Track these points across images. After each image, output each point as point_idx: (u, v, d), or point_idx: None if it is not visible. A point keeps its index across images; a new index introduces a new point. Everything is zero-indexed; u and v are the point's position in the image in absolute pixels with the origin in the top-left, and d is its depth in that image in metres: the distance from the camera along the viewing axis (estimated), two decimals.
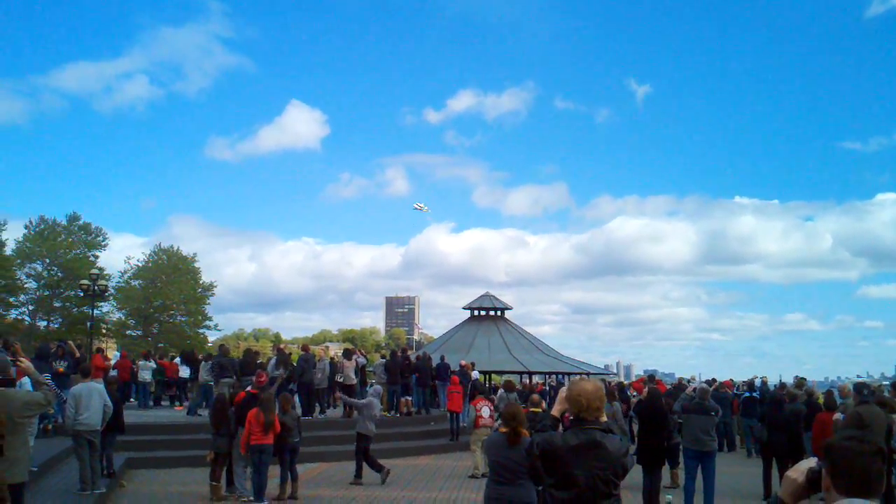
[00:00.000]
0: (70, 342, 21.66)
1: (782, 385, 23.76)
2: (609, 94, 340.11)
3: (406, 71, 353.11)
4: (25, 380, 9.38)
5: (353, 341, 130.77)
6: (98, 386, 13.31)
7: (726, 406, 22.57)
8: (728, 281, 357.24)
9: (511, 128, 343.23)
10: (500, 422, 8.88)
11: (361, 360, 24.91)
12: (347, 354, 23.81)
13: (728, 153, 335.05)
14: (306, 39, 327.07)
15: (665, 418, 14.03)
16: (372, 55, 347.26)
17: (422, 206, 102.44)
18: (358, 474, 16.02)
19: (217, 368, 21.57)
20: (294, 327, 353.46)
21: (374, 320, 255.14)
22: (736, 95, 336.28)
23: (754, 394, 23.46)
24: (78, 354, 20.25)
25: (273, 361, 22.59)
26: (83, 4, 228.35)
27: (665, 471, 14.47)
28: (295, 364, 22.89)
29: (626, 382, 40.92)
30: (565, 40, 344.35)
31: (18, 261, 52.91)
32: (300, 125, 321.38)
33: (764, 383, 26.25)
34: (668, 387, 26.97)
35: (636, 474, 12.07)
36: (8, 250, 52.05)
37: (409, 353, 28.10)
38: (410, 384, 24.86)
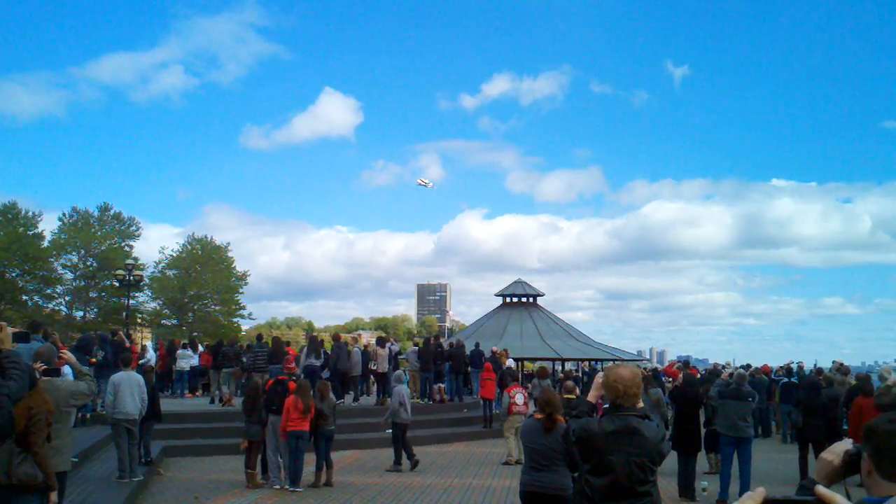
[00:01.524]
0: (120, 333, 21.92)
1: (819, 370, 23.46)
2: (646, 76, 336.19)
3: (441, 56, 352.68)
4: (66, 369, 9.53)
5: (386, 329, 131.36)
6: (137, 375, 13.50)
7: (763, 392, 22.36)
8: (764, 265, 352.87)
9: (546, 112, 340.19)
10: (535, 408, 8.87)
11: (395, 347, 25.00)
12: (381, 342, 23.90)
13: (765, 135, 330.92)
14: (340, 27, 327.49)
15: (701, 404, 13.96)
16: (406, 41, 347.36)
17: (426, 181, 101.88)
18: (397, 460, 16.11)
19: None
20: (327, 315, 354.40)
21: (406, 308, 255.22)
22: (773, 76, 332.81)
23: (793, 379, 23.20)
24: (128, 345, 20.56)
25: (305, 349, 22.74)
26: None
27: (701, 456, 14.40)
28: (327, 352, 23.03)
29: (659, 367, 40.71)
30: (602, 23, 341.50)
31: (54, 252, 53.67)
32: (334, 113, 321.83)
33: (800, 368, 25.96)
34: (702, 372, 26.80)
35: (671, 460, 12.02)
36: (44, 242, 52.82)
37: (441, 340, 28.12)
38: (443, 371, 24.90)
